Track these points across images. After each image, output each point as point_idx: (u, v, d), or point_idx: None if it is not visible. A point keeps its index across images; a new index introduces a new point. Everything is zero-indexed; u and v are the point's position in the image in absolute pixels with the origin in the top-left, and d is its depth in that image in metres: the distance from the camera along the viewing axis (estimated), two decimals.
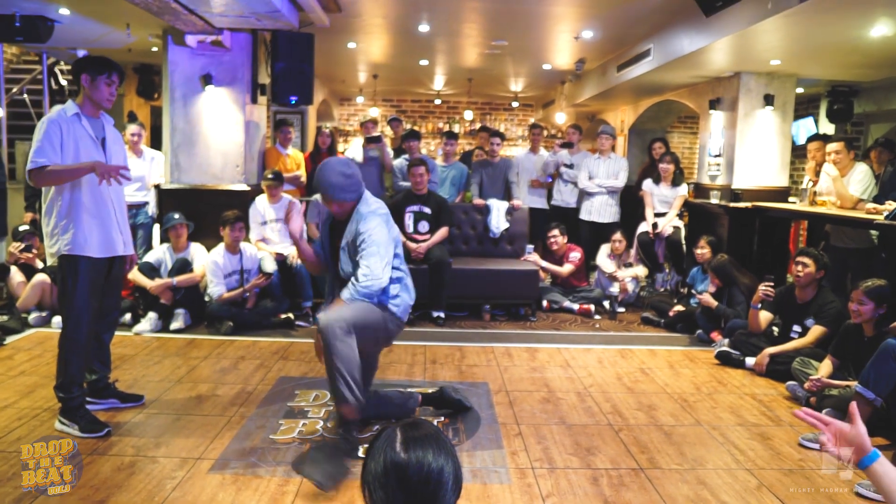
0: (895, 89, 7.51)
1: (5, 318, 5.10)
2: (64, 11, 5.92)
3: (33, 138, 3.16)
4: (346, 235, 3.22)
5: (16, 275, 5.36)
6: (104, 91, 3.27)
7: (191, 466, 2.89)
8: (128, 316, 5.15)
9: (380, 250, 3.09)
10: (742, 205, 6.57)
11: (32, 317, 5.17)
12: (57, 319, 5.00)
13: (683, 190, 6.73)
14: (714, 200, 6.98)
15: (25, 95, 8.83)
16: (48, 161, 3.11)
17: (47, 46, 7.36)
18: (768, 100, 6.70)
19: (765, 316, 4.66)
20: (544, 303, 6.24)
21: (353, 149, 7.15)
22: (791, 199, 6.81)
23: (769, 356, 4.41)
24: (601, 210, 7.03)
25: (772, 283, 4.56)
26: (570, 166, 7.25)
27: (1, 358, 4.38)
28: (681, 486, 2.90)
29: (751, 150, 6.84)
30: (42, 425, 3.31)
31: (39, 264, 5.42)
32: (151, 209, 6.28)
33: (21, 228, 5.44)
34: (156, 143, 7.35)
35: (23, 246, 5.38)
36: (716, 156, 7.18)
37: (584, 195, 7.14)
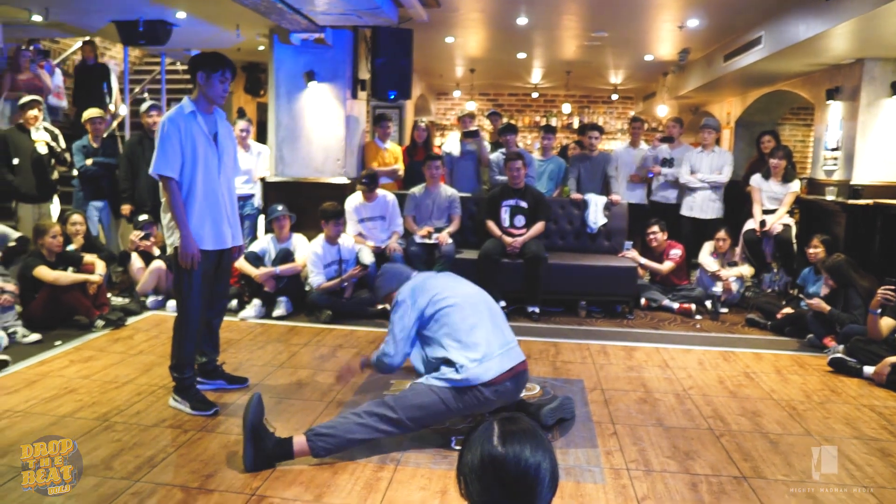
0: None
1: (126, 300, 5.51)
2: (181, 15, 6.30)
3: (156, 137, 3.39)
4: None
5: (136, 261, 5.77)
6: (218, 87, 3.44)
7: None
8: (234, 302, 5.42)
9: (394, 336, 3.28)
10: (862, 202, 6.12)
11: (150, 300, 5.56)
12: (172, 303, 5.34)
13: (795, 186, 6.34)
14: (830, 197, 6.55)
15: (146, 94, 9.48)
16: (173, 174, 3.34)
17: (165, 48, 7.86)
18: None
19: (887, 323, 4.31)
20: (642, 300, 6.06)
21: (449, 143, 7.22)
22: None
23: (891, 366, 4.09)
24: (703, 206, 6.76)
25: (892, 287, 4.22)
26: (670, 161, 7.00)
27: (122, 337, 4.73)
28: (788, 498, 2.74)
29: (874, 143, 6.37)
30: (158, 401, 3.54)
31: (157, 251, 5.81)
32: (257, 201, 6.59)
33: (141, 218, 5.84)
34: (261, 137, 7.69)
35: (142, 234, 5.79)
36: (833, 149, 6.73)
37: (685, 190, 6.88)
